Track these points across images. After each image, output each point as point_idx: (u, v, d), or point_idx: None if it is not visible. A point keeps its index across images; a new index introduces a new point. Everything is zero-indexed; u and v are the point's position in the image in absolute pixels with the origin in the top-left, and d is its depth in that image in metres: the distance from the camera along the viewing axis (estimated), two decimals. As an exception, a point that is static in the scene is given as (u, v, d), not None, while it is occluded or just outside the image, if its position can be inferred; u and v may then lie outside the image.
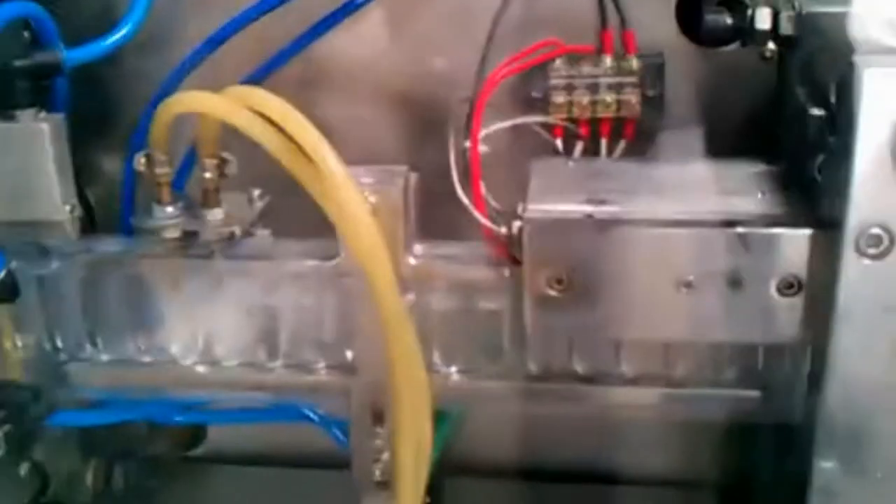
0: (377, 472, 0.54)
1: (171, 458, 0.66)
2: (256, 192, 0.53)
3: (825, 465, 0.43)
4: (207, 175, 0.50)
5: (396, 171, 0.50)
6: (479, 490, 0.68)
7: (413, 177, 0.51)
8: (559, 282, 0.45)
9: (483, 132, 0.51)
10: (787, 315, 0.44)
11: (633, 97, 0.55)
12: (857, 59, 0.39)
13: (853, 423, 0.43)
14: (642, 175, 0.51)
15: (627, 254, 0.45)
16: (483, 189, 0.50)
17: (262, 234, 0.53)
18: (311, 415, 0.58)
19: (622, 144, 0.56)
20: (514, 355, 0.51)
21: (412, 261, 0.51)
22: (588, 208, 0.46)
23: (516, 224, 0.46)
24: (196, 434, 0.66)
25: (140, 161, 0.50)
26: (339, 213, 0.44)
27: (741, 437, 0.60)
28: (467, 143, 0.50)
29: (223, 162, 0.50)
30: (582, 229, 0.45)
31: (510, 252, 0.48)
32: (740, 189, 0.48)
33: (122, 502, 0.65)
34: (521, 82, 0.56)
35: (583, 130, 0.56)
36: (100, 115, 0.59)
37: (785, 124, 0.50)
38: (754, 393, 0.50)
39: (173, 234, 0.51)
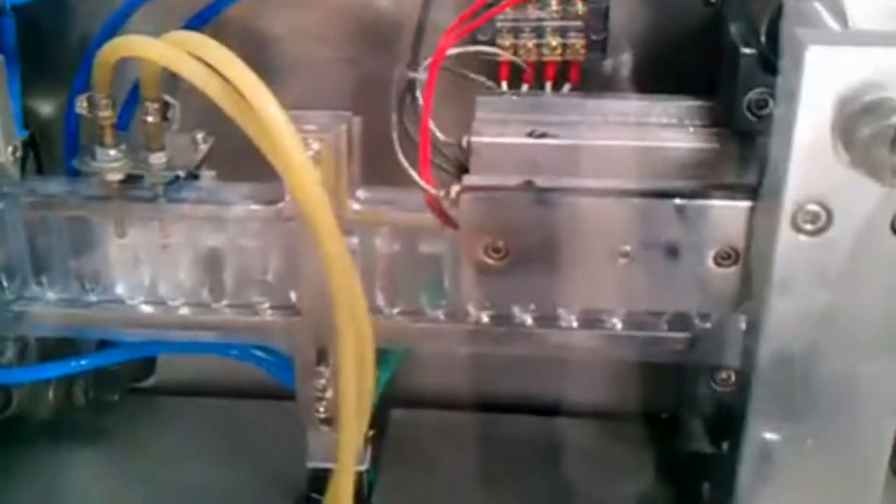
0: (321, 409, 0.55)
1: (120, 389, 0.67)
2: (200, 135, 0.53)
3: (759, 435, 0.44)
4: (150, 119, 0.50)
5: (340, 116, 0.50)
6: (424, 420, 0.70)
7: (357, 122, 0.51)
8: (496, 250, 0.46)
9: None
10: (724, 285, 0.45)
11: (578, 41, 0.55)
12: (800, 32, 0.38)
13: (786, 393, 0.44)
14: (581, 108, 0.52)
15: (565, 224, 0.45)
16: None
17: (208, 175, 0.53)
18: (259, 354, 0.59)
19: (567, 88, 0.57)
20: (455, 298, 0.52)
21: (356, 206, 0.52)
22: (529, 141, 0.48)
23: (454, 189, 0.47)
24: (145, 366, 0.67)
25: (82, 104, 0.49)
26: (279, 160, 0.44)
27: (675, 372, 0.62)
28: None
29: (165, 105, 0.50)
30: (519, 199, 0.45)
31: (448, 217, 0.49)
32: (672, 123, 0.49)
33: (83, 415, 0.66)
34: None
35: (528, 73, 0.56)
36: (44, 56, 0.59)
37: (720, 62, 0.50)
38: (684, 335, 0.52)
39: (116, 176, 0.51)
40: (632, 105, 0.51)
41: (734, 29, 0.47)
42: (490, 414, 0.70)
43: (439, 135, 0.51)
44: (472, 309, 0.52)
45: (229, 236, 0.53)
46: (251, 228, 0.53)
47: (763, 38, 0.45)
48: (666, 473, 0.65)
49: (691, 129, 0.49)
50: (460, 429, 0.69)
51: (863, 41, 0.38)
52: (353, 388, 0.50)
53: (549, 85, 0.56)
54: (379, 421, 0.64)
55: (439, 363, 0.70)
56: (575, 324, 0.53)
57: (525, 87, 0.56)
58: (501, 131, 0.50)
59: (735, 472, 0.46)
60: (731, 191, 0.45)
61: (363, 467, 0.59)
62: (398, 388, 0.70)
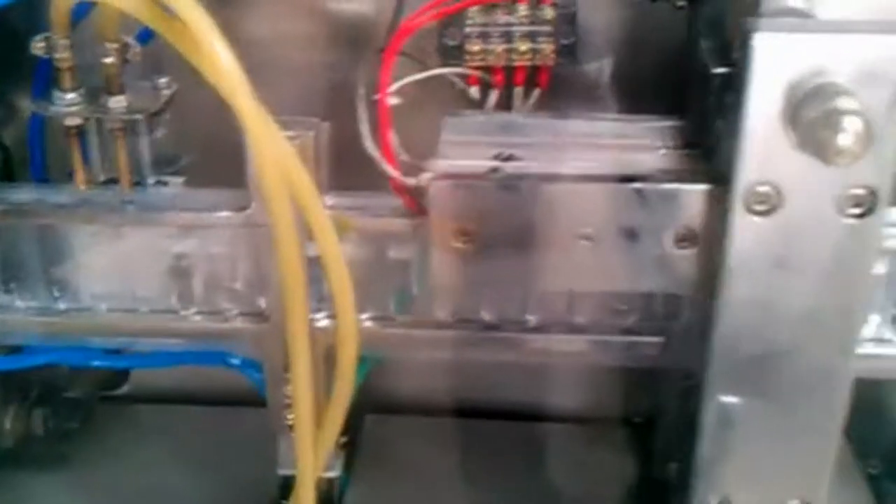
0: (290, 417, 0.55)
1: (93, 398, 0.66)
2: (164, 80, 0.52)
3: (717, 403, 0.46)
4: (108, 60, 0.49)
5: (307, 122, 0.50)
6: (398, 426, 0.70)
7: (325, 127, 0.51)
8: (465, 234, 0.46)
9: (396, 85, 0.51)
10: (683, 267, 0.46)
11: (547, 46, 0.56)
12: (751, 21, 0.39)
13: (741, 373, 0.45)
14: (550, 129, 0.51)
15: (529, 208, 0.45)
16: (395, 140, 0.50)
17: (175, 182, 0.53)
18: (233, 360, 0.59)
19: (536, 93, 0.57)
20: (424, 303, 0.52)
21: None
22: (496, 163, 0.47)
23: (424, 176, 0.47)
24: (118, 375, 0.67)
25: (37, 45, 0.48)
26: (211, 72, 0.41)
27: (650, 377, 0.62)
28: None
29: (125, 47, 0.49)
30: (486, 185, 0.45)
31: (417, 203, 0.49)
32: (644, 145, 0.48)
33: (43, 445, 0.65)
34: (437, 31, 0.56)
35: (498, 79, 0.56)
36: (15, 61, 0.58)
37: (691, 80, 0.50)
38: (656, 339, 0.52)
39: (74, 121, 0.50)
40: (602, 126, 0.51)
41: (705, 46, 0.48)
42: (464, 419, 0.70)
43: (403, 156, 0.51)
44: (440, 309, 0.52)
45: (198, 243, 0.53)
46: (220, 235, 0.52)
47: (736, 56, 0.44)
48: (642, 478, 0.66)
49: (662, 152, 0.48)
50: (434, 434, 0.69)
51: (808, 28, 0.39)
52: (306, 394, 0.49)
53: (518, 91, 0.57)
54: (352, 427, 0.64)
55: (414, 368, 0.70)
56: (550, 329, 0.53)
57: (495, 93, 0.57)
58: (466, 154, 0.49)
59: (696, 441, 0.47)
60: (689, 174, 0.45)
61: (333, 474, 0.59)
62: (372, 393, 0.70)
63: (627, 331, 0.52)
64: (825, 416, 0.46)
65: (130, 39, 0.49)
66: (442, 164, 0.47)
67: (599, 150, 0.48)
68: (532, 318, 0.52)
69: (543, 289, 0.50)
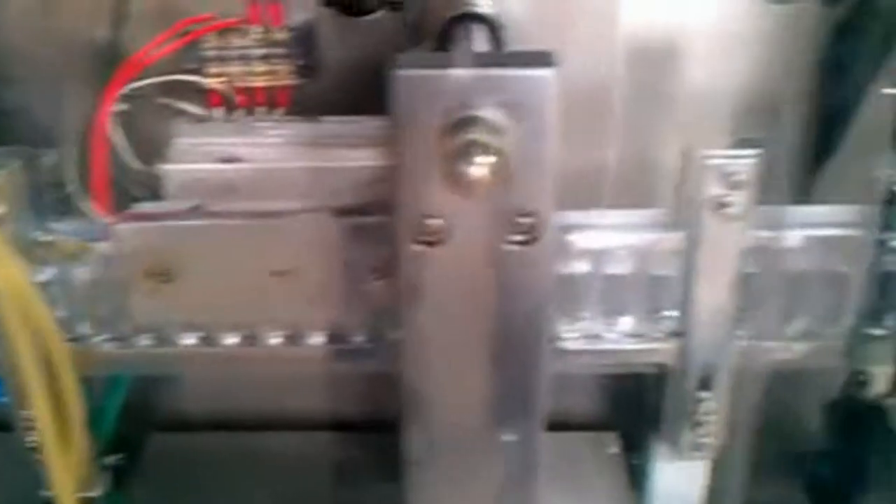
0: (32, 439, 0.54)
1: None
2: None
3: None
4: None
5: (19, 151, 0.50)
6: (185, 443, 0.70)
7: (51, 155, 0.51)
8: (160, 274, 0.47)
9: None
10: (378, 297, 0.47)
11: (282, 66, 0.56)
12: (398, 58, 0.40)
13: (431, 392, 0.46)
14: (277, 132, 0.53)
15: (226, 244, 0.47)
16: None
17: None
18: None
19: (280, 112, 0.57)
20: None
21: (49, 237, 0.52)
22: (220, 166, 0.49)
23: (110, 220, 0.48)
24: None
25: None
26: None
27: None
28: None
29: None
30: (179, 225, 0.46)
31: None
32: (361, 143, 0.50)
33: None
34: (174, 56, 0.56)
35: (239, 99, 0.57)
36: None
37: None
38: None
39: None
40: (324, 128, 0.53)
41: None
42: (252, 433, 0.70)
43: (135, 165, 0.51)
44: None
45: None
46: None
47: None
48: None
49: (380, 148, 0.49)
50: (220, 449, 0.69)
51: (450, 64, 0.40)
52: (45, 418, 0.50)
53: (261, 111, 0.57)
54: (131, 446, 0.64)
55: (203, 386, 0.70)
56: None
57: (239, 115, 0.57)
58: (193, 158, 0.50)
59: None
60: (379, 205, 0.46)
61: (94, 493, 0.59)
62: (160, 412, 0.71)
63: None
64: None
65: None
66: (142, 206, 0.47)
67: (320, 150, 0.50)
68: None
69: (235, 324, 0.50)
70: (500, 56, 0.41)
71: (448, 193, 0.41)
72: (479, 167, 0.38)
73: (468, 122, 0.39)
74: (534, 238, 0.42)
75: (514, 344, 0.44)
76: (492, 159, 0.38)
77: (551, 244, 0.43)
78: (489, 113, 0.39)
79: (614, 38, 0.56)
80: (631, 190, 0.58)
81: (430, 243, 0.42)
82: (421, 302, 0.43)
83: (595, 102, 0.57)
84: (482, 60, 0.40)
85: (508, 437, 0.46)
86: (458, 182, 0.39)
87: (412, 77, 0.39)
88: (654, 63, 0.58)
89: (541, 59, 0.39)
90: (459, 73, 0.39)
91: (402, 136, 0.40)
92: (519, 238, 0.42)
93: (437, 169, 0.40)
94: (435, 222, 0.42)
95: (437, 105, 0.39)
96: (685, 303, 0.51)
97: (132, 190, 0.52)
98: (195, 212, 0.46)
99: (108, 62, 0.54)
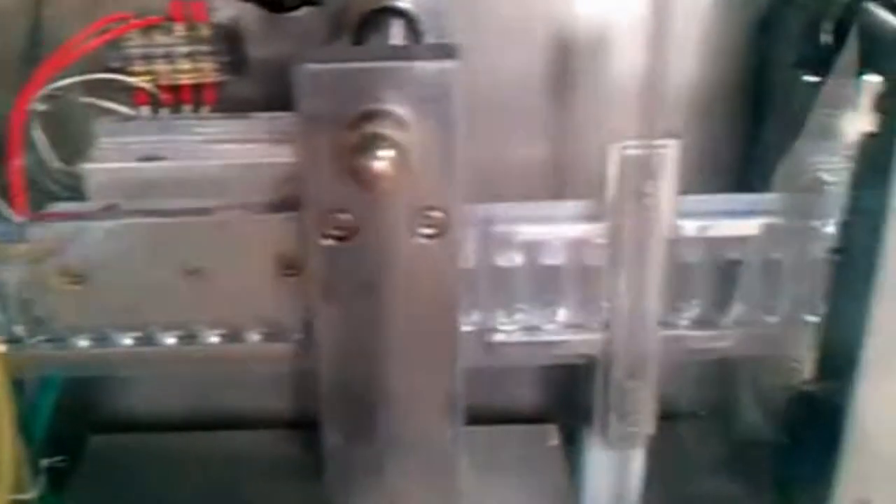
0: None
1: None
2: None
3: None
4: None
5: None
6: (126, 445, 0.69)
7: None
8: (74, 274, 0.46)
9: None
10: (290, 295, 0.46)
11: (208, 64, 0.56)
12: (301, 54, 0.40)
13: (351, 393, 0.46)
14: (200, 130, 0.52)
15: (138, 244, 0.46)
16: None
17: None
18: None
19: (206, 109, 0.57)
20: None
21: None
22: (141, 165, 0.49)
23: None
24: None
25: None
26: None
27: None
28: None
29: None
30: (89, 226, 0.46)
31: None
32: (290, 139, 0.49)
33: None
34: (99, 54, 0.56)
35: (165, 97, 0.57)
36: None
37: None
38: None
39: None
40: (251, 124, 0.52)
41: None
42: (196, 433, 0.70)
43: (55, 164, 0.51)
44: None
45: None
46: None
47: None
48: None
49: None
50: (163, 450, 0.69)
51: (355, 57, 0.40)
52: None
53: (187, 109, 0.57)
54: (70, 448, 0.64)
55: (146, 386, 0.70)
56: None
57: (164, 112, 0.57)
58: (115, 157, 0.50)
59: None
60: (282, 204, 0.46)
61: (29, 496, 0.59)
62: (101, 413, 0.70)
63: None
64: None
65: None
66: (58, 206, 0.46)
67: (241, 147, 0.50)
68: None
69: (154, 323, 0.50)
70: (402, 49, 0.41)
71: (355, 188, 0.41)
72: (381, 161, 0.38)
73: (370, 116, 0.39)
74: (442, 232, 0.42)
75: (426, 338, 0.44)
76: (392, 153, 0.38)
77: (460, 238, 0.43)
78: (393, 107, 0.39)
79: (538, 29, 0.56)
80: (559, 182, 0.58)
81: (339, 238, 0.42)
82: (332, 297, 0.43)
83: (519, 95, 0.57)
84: (385, 53, 0.40)
85: (425, 431, 0.46)
86: (362, 176, 0.39)
87: (314, 71, 0.39)
88: (578, 55, 0.58)
89: (443, 51, 0.39)
90: (360, 66, 0.39)
91: (307, 130, 0.40)
92: (427, 232, 0.42)
93: (342, 163, 0.40)
94: (343, 217, 0.42)
95: (340, 99, 0.39)
96: (609, 293, 0.51)
97: (55, 191, 0.52)
98: (109, 211, 0.46)
99: (26, 61, 0.54)
